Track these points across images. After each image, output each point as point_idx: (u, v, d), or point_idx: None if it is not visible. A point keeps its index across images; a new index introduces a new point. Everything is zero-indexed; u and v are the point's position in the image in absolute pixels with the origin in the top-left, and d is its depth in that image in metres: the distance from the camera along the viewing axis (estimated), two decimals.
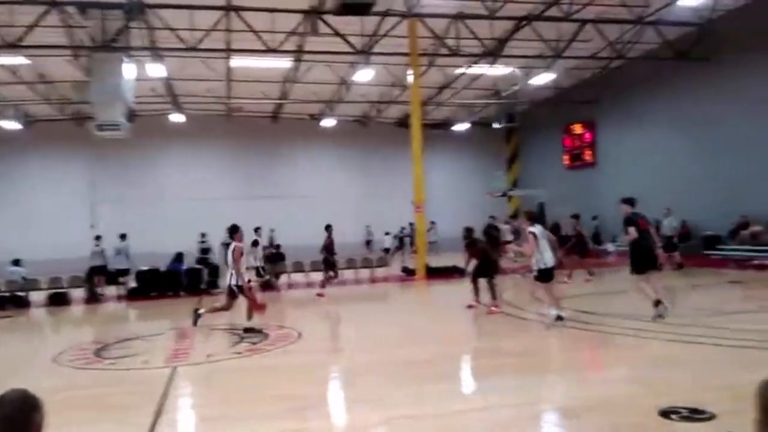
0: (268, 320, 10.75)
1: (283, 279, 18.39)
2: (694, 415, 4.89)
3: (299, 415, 5.54)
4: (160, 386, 6.67)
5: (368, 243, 29.07)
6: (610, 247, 23.87)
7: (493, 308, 11.09)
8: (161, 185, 29.18)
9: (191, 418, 6.09)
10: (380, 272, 18.80)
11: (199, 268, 17.55)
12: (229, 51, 19.94)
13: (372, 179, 31.86)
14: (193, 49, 17.72)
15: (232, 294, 10.20)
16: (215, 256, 19.30)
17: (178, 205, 28.27)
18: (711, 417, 4.82)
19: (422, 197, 18.86)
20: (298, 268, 18.01)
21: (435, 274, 18.45)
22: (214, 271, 17.57)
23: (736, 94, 19.54)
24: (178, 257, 17.67)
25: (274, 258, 18.65)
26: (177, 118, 27.28)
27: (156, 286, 16.85)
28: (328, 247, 15.49)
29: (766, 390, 1.63)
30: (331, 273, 15.60)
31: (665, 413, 4.95)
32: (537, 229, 9.69)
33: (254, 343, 9.16)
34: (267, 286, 17.40)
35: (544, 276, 9.58)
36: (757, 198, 18.31)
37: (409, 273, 18.90)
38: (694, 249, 20.29)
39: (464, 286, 16.26)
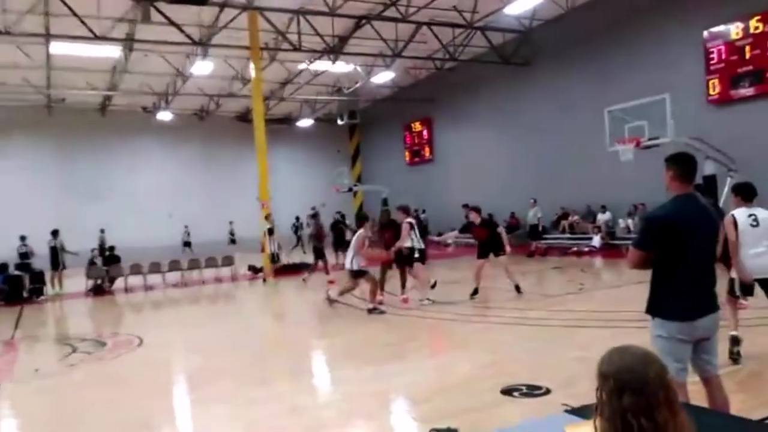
0: (103, 327, 9.97)
1: (119, 283, 17.08)
2: (533, 391, 5.32)
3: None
4: None
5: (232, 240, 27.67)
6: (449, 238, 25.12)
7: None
8: None
9: None
10: (226, 272, 18.17)
11: (19, 275, 15.76)
12: (48, 36, 18.10)
13: (216, 175, 30.69)
14: (7, 33, 15.91)
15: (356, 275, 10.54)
16: (37, 260, 17.45)
17: None
18: (547, 392, 5.28)
19: (266, 194, 18.55)
20: (136, 270, 16.83)
21: (284, 271, 18.27)
22: (37, 277, 15.93)
23: (552, 96, 21.57)
24: (1, 268, 15.78)
25: (109, 260, 17.32)
26: None
27: None
28: (317, 236, 16.10)
29: (608, 365, 1.80)
30: (321, 262, 15.71)
31: (507, 391, 5.36)
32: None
33: (89, 353, 8.44)
34: (100, 291, 16.15)
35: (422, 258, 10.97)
36: (574, 191, 20.32)
37: (256, 271, 18.51)
38: (521, 238, 22.09)
39: (312, 280, 16.41)
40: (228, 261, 18.19)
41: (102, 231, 24.16)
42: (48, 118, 26.90)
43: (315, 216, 15.63)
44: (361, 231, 10.80)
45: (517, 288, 11.17)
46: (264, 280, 17.09)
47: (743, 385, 5.21)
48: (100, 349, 8.78)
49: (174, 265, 17.57)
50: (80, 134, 27.77)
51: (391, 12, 19.16)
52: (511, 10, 18.84)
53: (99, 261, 17.26)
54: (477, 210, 11.56)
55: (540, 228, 19.80)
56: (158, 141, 29.65)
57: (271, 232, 17.61)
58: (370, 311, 10.33)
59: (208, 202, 29.31)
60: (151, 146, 29.67)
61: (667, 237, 3.58)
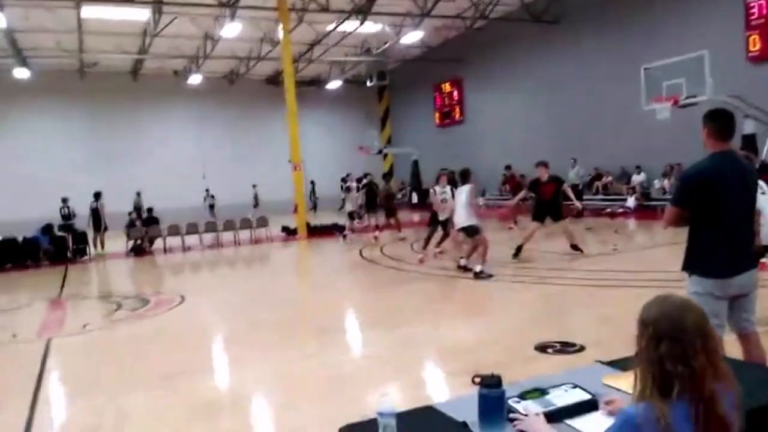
0: (146, 287, 10.33)
1: (158, 243, 17.50)
2: (566, 348, 5.42)
3: (173, 383, 5.40)
4: (34, 363, 6.21)
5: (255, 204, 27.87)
6: (480, 200, 25.07)
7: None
8: (11, 148, 26.40)
9: (70, 395, 5.70)
10: (261, 233, 18.48)
11: (63, 236, 16.27)
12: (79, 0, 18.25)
13: (244, 138, 30.93)
14: None
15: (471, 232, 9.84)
16: (79, 222, 17.99)
17: (32, 168, 25.86)
18: (581, 348, 5.37)
19: (299, 157, 18.69)
20: (174, 231, 17.21)
21: (316, 232, 18.52)
22: (80, 237, 16.42)
23: (584, 54, 21.05)
24: (46, 229, 16.33)
25: (148, 222, 17.72)
26: (21, 73, 24.64)
27: (12, 257, 15.40)
28: (387, 196, 16.83)
29: (647, 312, 1.85)
30: (391, 220, 16.31)
31: (541, 348, 5.46)
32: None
33: (134, 310, 8.78)
34: (140, 251, 16.59)
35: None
36: (607, 152, 20.01)
37: (290, 233, 18.79)
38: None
39: (343, 242, 16.61)
40: (262, 222, 18.46)
41: (138, 194, 24.64)
42: (80, 82, 27.27)
43: (385, 177, 16.11)
44: (469, 185, 9.86)
45: (576, 247, 10.91)
46: (344, 237, 16.87)
47: None
48: (144, 306, 9.10)
49: (210, 227, 17.98)
50: (113, 98, 28.08)
51: None
52: None
53: (138, 222, 17.67)
54: (545, 165, 11.21)
55: (581, 188, 19.47)
56: (189, 104, 29.87)
57: (348, 189, 17.71)
58: (477, 275, 9.41)
59: (237, 165, 29.60)
60: (182, 109, 29.92)
61: (702, 194, 3.59)
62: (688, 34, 16.45)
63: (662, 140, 16.97)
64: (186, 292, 9.91)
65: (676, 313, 1.78)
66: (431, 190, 12.32)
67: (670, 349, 1.73)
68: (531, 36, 22.94)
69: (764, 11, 15.59)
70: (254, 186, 27.62)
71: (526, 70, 23.97)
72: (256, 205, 26.84)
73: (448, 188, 11.74)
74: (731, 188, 3.60)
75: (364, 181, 20.49)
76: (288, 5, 19.34)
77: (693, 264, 3.71)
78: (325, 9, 19.50)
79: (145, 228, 17.30)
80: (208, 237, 18.03)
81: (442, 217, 11.71)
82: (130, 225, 17.19)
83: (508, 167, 19.10)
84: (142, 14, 20.53)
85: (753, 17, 15.84)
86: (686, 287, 3.70)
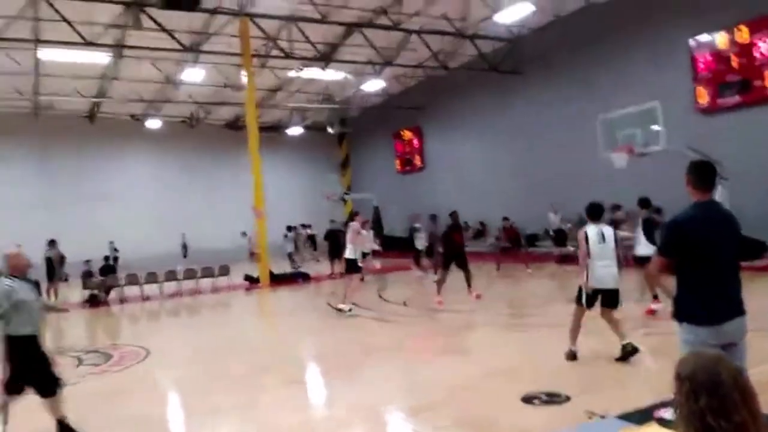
0: (108, 339, 9.87)
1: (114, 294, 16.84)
2: (553, 398, 5.35)
3: None
4: None
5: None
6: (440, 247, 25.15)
7: None
8: None
9: None
10: (222, 281, 18.04)
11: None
12: (37, 42, 17.94)
13: (207, 183, 30.53)
14: None
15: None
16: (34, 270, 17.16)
17: None
18: (567, 399, 5.31)
19: (262, 203, 18.50)
20: (133, 280, 16.59)
21: (279, 280, 18.21)
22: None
23: (542, 104, 21.76)
24: None
25: (105, 270, 17.08)
26: None
27: None
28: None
29: (683, 367, 1.85)
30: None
31: (527, 399, 5.38)
32: None
33: (96, 365, 8.33)
34: (96, 302, 15.92)
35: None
36: (566, 198, 20.44)
37: (252, 281, 18.41)
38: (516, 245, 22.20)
39: (308, 290, 16.37)
40: (223, 270, 18.04)
41: (111, 243, 24.11)
42: (34, 125, 26.56)
43: (433, 217, 16.71)
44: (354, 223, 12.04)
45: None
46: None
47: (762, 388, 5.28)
48: (107, 360, 8.66)
49: (170, 276, 17.39)
50: (68, 141, 27.48)
51: (382, 20, 19.26)
52: (501, 19, 18.98)
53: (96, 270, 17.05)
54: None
55: (567, 233, 19.03)
56: (148, 148, 29.43)
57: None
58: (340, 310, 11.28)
59: (200, 210, 29.09)
60: (140, 154, 29.43)
61: (687, 242, 3.67)
62: (641, 86, 17.17)
63: (619, 188, 17.44)
64: (150, 345, 9.51)
65: (711, 366, 1.80)
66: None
67: (709, 403, 1.73)
68: (490, 85, 23.59)
69: (711, 65, 16.46)
70: (183, 234, 26.10)
71: (486, 118, 24.56)
72: (185, 255, 25.54)
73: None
74: (715, 235, 3.70)
75: (308, 230, 20.48)
76: (251, 51, 19.44)
77: (682, 311, 3.75)
78: (288, 55, 19.67)
79: (102, 277, 16.66)
80: (169, 286, 17.46)
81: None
82: (86, 275, 16.55)
83: (506, 218, 19.57)
84: (102, 57, 20.27)
85: (700, 70, 16.69)
86: (677, 335, 3.73)
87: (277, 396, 6.40)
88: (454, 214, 12.75)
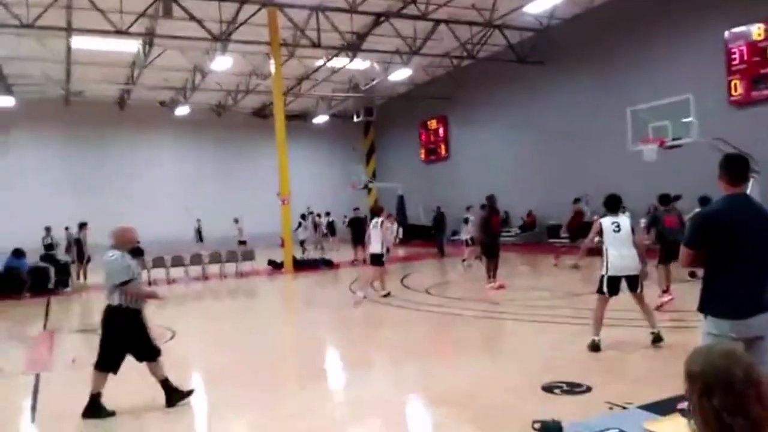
0: None
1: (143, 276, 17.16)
2: (574, 389, 5.36)
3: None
4: (25, 398, 5.98)
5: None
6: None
7: None
8: None
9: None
10: (247, 266, 18.26)
11: (45, 266, 15.90)
12: (70, 30, 18.26)
13: (230, 170, 30.87)
14: (29, 26, 16.05)
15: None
16: (61, 252, 17.62)
17: (14, 197, 25.39)
18: (588, 389, 5.32)
19: (288, 190, 18.66)
20: (159, 263, 16.92)
21: (302, 266, 18.39)
22: (62, 268, 16.06)
23: (569, 95, 21.52)
24: (17, 252, 15.75)
25: (134, 253, 17.36)
26: (5, 101, 24.40)
27: None
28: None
29: (694, 365, 1.82)
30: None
31: (548, 388, 5.39)
32: None
33: None
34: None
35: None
36: (593, 191, 20.19)
37: (276, 266, 18.64)
38: (538, 237, 22.10)
39: (330, 277, 16.51)
40: (248, 256, 18.27)
41: (198, 220, 24.37)
42: (65, 111, 27.08)
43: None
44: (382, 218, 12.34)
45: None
46: (463, 260, 16.79)
47: None
48: None
49: (195, 260, 17.68)
50: (98, 128, 27.97)
51: (410, 9, 19.17)
52: (531, 9, 18.80)
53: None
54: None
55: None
56: (176, 135, 29.86)
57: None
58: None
59: (224, 196, 29.41)
60: (168, 140, 29.90)
61: (714, 235, 3.66)
62: (673, 78, 16.88)
63: (647, 181, 17.20)
64: (175, 326, 9.70)
65: (723, 362, 1.75)
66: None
67: (724, 401, 1.69)
68: (517, 76, 23.38)
69: (745, 57, 16.12)
70: (198, 220, 25.28)
71: (513, 109, 24.37)
72: (200, 239, 24.63)
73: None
74: (744, 230, 3.66)
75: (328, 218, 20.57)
76: (279, 41, 19.53)
77: (708, 305, 3.73)
78: (315, 45, 19.72)
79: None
80: (194, 270, 17.75)
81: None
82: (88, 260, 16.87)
83: (529, 213, 19.80)
84: (132, 46, 20.60)
85: (734, 62, 16.35)
86: (702, 329, 3.71)
87: (299, 386, 6.48)
88: (491, 198, 12.70)
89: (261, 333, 9.59)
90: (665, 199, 10.89)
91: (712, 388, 1.71)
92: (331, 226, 26.33)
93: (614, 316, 9.06)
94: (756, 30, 15.85)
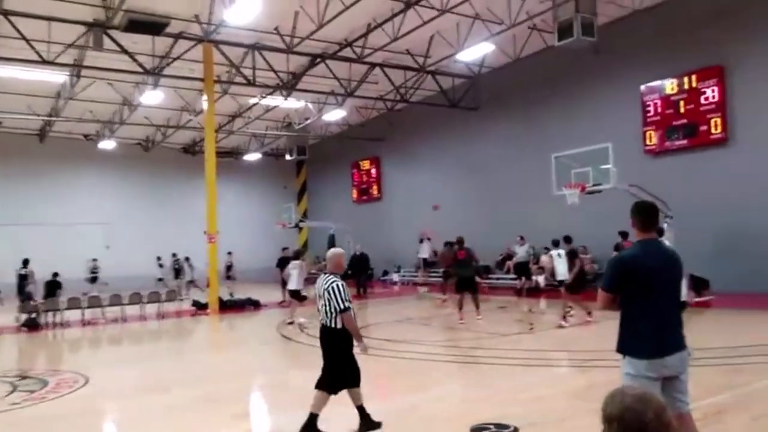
0: (45, 365, 9.45)
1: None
2: (501, 430, 5.38)
3: None
4: None
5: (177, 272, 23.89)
6: (395, 277, 25.26)
7: None
8: None
9: None
10: (169, 307, 17.58)
11: None
12: None
13: (158, 206, 29.96)
14: None
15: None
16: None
17: None
18: (515, 430, 5.35)
19: (215, 228, 18.24)
20: (74, 304, 15.99)
21: (228, 307, 17.90)
22: None
23: (499, 140, 22.32)
24: None
25: (51, 286, 16.36)
26: None
27: None
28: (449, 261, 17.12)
29: (611, 407, 1.89)
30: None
31: (476, 430, 5.39)
32: None
33: (31, 392, 7.97)
34: (34, 326, 15.28)
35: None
36: (520, 232, 20.83)
37: (200, 307, 18.02)
38: None
39: (258, 318, 16.11)
40: (171, 296, 17.61)
41: (94, 260, 23.46)
42: None
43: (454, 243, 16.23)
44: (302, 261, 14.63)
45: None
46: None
47: (704, 421, 5.45)
48: (43, 387, 8.28)
49: (115, 300, 16.81)
50: (16, 159, 26.68)
51: (346, 52, 19.51)
52: (462, 57, 19.56)
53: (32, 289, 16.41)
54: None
55: (530, 265, 19.37)
56: (100, 170, 28.84)
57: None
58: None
59: (150, 234, 28.42)
60: (91, 175, 28.80)
61: (630, 278, 3.82)
62: (594, 127, 17.80)
63: (570, 223, 17.88)
64: (89, 371, 9.16)
65: (639, 406, 1.84)
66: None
67: None
68: (450, 120, 24.06)
69: (659, 109, 17.21)
70: (94, 260, 23.78)
71: (445, 152, 24.98)
72: (93, 279, 23.03)
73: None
74: (657, 272, 3.85)
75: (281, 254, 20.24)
76: (213, 77, 19.39)
77: (626, 346, 3.87)
78: (250, 83, 19.69)
79: (41, 300, 15.93)
80: (113, 311, 16.88)
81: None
82: (26, 297, 15.90)
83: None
84: (58, 76, 19.94)
85: (649, 114, 17.44)
86: (620, 368, 3.83)
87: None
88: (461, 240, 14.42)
89: (181, 377, 9.17)
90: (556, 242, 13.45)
91: (627, 429, 1.81)
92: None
93: (537, 356, 9.28)
94: (669, 84, 16.99)
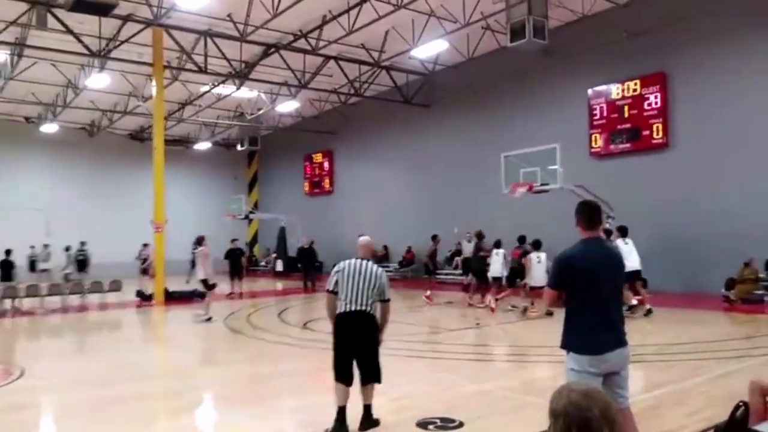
0: None
1: None
2: (447, 424, 5.45)
3: None
4: None
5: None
6: None
7: None
8: None
9: None
10: (113, 297, 17.10)
11: None
12: None
13: (102, 193, 29.02)
14: None
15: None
16: None
17: None
18: (460, 425, 5.43)
19: (162, 217, 17.83)
20: (9, 293, 15.31)
21: (174, 298, 17.53)
22: None
23: (451, 137, 22.56)
24: None
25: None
26: None
27: None
28: (432, 255, 17.80)
29: (556, 402, 1.95)
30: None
31: (422, 424, 5.44)
32: None
33: None
34: None
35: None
36: (470, 228, 21.10)
37: (144, 298, 17.59)
38: (417, 273, 22.65)
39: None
40: (115, 286, 17.12)
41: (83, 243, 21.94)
42: None
43: (434, 237, 17.47)
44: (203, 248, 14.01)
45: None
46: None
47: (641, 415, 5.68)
48: None
49: (54, 290, 16.22)
50: None
51: (301, 43, 19.33)
52: (417, 54, 19.69)
53: None
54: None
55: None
56: (40, 154, 27.72)
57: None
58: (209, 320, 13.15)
59: (93, 222, 27.47)
60: (32, 158, 27.69)
61: (573, 276, 3.93)
62: (543, 128, 18.21)
63: (520, 219, 18.26)
64: (25, 364, 8.84)
65: (584, 402, 1.89)
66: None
67: None
68: (403, 116, 24.18)
69: (605, 113, 17.74)
70: (32, 247, 22.75)
71: (398, 147, 25.09)
72: (83, 264, 21.69)
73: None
74: (600, 270, 3.97)
75: (230, 246, 20.00)
76: (163, 62, 18.91)
77: (569, 342, 3.99)
78: (201, 70, 19.29)
79: None
80: (50, 301, 16.31)
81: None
82: None
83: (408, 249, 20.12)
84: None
85: (595, 118, 17.95)
86: (565, 364, 3.96)
87: (165, 428, 6.11)
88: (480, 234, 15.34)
89: (124, 369, 8.94)
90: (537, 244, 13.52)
91: (571, 426, 1.86)
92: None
93: (480, 351, 9.47)
94: (615, 89, 17.53)
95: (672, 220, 16.09)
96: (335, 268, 5.57)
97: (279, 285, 23.54)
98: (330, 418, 5.33)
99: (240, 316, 14.31)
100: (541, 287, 12.71)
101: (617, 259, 4.19)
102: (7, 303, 15.57)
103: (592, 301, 3.93)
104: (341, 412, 5.30)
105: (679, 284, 15.50)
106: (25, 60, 19.69)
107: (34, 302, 15.89)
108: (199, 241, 14.45)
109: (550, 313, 11.88)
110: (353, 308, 5.35)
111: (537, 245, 13.35)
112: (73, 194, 28.30)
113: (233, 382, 7.81)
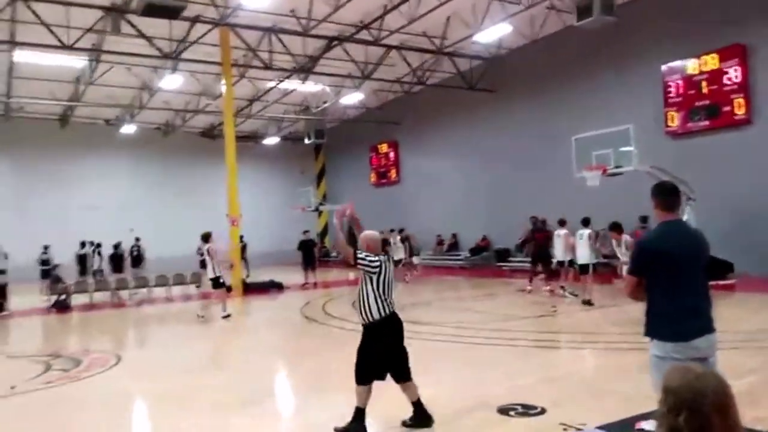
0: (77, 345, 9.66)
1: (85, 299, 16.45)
2: (528, 410, 5.42)
3: None
4: None
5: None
6: (415, 260, 25.27)
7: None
8: None
9: None
10: (193, 289, 17.81)
11: None
12: (13, 43, 17.70)
13: (177, 191, 30.19)
14: None
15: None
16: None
17: None
18: (542, 411, 5.39)
19: (237, 210, 18.40)
20: (102, 286, 16.30)
21: (251, 289, 18.07)
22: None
23: (516, 122, 22.14)
24: None
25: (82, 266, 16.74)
26: None
27: None
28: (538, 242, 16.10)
29: (671, 381, 1.88)
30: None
31: (503, 410, 5.44)
32: None
33: (65, 371, 8.17)
34: (62, 307, 15.55)
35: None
36: (541, 215, 20.73)
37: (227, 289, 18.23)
38: (488, 260, 22.47)
39: (280, 300, 16.27)
40: (196, 279, 17.83)
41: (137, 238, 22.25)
42: (4, 127, 26.08)
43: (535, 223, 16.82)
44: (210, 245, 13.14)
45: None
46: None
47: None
48: (76, 366, 8.49)
49: (141, 282, 17.10)
50: (38, 145, 27.02)
51: (363, 35, 19.41)
52: (479, 38, 19.38)
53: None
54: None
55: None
56: (120, 154, 29.09)
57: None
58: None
59: (171, 217, 28.67)
60: (113, 159, 29.09)
61: (654, 261, 3.77)
62: (615, 108, 17.59)
63: (591, 206, 17.74)
64: (121, 351, 9.36)
65: (697, 384, 1.82)
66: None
67: (689, 420, 1.76)
68: (467, 102, 23.89)
69: (681, 90, 16.97)
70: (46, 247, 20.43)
71: (463, 134, 24.85)
72: (138, 260, 21.17)
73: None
74: (681, 254, 3.80)
75: (303, 237, 20.39)
76: (231, 61, 19.43)
77: (653, 329, 3.85)
78: (267, 67, 19.71)
79: (70, 283, 16.27)
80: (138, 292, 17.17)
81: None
82: (54, 279, 16.21)
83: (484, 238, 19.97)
84: (78, 61, 20.10)
85: (670, 96, 17.19)
86: (649, 350, 3.84)
87: (248, 415, 6.32)
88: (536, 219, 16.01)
89: (210, 358, 9.34)
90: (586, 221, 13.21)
91: (682, 406, 1.79)
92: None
93: (567, 339, 9.31)
94: (691, 65, 16.72)
95: (755, 200, 15.25)
96: (373, 258, 5.17)
97: (351, 275, 23.81)
98: (388, 405, 5.28)
99: (316, 305, 14.58)
100: (586, 265, 12.76)
101: (700, 241, 4.00)
102: (124, 294, 16.78)
103: (676, 286, 3.77)
104: (363, 413, 5.19)
105: (763, 269, 14.67)
106: (102, 65, 20.66)
107: (124, 294, 16.73)
108: (206, 238, 13.37)
109: (589, 302, 12.02)
110: (394, 308, 5.23)
111: (586, 222, 13.10)
112: (149, 192, 29.55)
113: (321, 371, 7.92)
